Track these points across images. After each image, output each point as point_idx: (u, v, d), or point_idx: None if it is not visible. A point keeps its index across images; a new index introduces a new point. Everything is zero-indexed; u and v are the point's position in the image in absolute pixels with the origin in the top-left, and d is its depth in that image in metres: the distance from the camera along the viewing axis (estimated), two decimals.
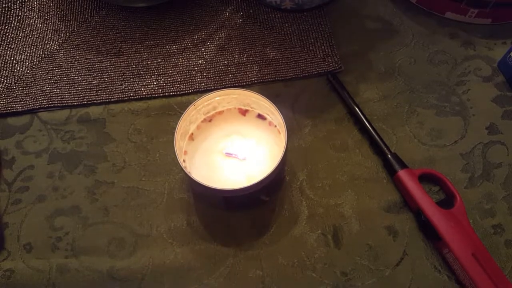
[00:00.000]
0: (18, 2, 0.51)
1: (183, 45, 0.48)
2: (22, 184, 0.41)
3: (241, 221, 0.38)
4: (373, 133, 0.41)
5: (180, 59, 0.47)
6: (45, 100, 0.45)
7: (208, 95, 0.38)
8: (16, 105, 0.45)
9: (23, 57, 0.48)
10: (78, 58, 0.47)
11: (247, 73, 0.46)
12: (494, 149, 0.40)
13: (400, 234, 0.37)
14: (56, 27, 0.50)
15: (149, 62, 0.47)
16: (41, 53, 0.48)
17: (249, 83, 0.45)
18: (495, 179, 0.39)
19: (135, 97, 0.45)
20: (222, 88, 0.42)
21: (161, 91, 0.45)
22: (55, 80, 0.46)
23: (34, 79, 0.46)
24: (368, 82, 0.45)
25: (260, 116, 0.39)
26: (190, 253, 0.37)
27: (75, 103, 0.45)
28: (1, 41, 0.49)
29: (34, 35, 0.49)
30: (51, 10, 0.51)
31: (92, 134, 0.43)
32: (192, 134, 0.39)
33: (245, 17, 0.49)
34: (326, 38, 0.47)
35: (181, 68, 0.46)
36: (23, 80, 0.46)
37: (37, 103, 0.45)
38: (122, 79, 0.46)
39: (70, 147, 0.43)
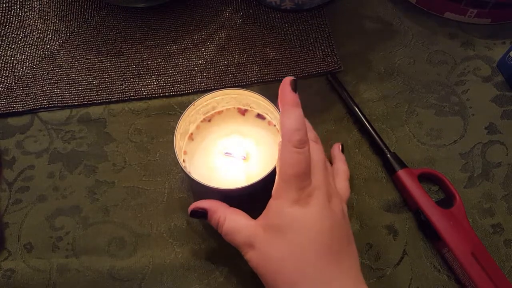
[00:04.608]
0: (18, 3, 0.51)
1: (183, 45, 0.48)
2: (22, 184, 0.41)
3: None
4: (373, 133, 0.41)
5: (180, 59, 0.47)
6: (45, 100, 0.45)
7: (207, 95, 0.38)
8: (17, 105, 0.45)
9: (23, 57, 0.48)
10: (79, 58, 0.48)
11: (247, 73, 0.46)
12: (493, 149, 0.41)
13: (400, 234, 0.37)
14: (56, 27, 0.50)
15: (149, 62, 0.47)
16: (42, 53, 0.48)
17: (249, 83, 0.45)
18: (495, 179, 0.39)
19: (136, 97, 0.45)
20: (222, 88, 0.42)
21: (161, 91, 0.45)
22: (56, 80, 0.46)
23: (35, 79, 0.46)
24: (367, 82, 0.45)
25: (259, 116, 0.39)
26: (190, 253, 0.37)
27: (76, 103, 0.45)
28: (2, 42, 0.49)
29: (34, 35, 0.49)
30: (51, 11, 0.51)
31: (92, 134, 0.43)
32: (191, 134, 0.39)
33: (245, 17, 0.49)
34: (325, 38, 0.47)
35: (181, 68, 0.46)
36: (24, 80, 0.46)
37: (38, 103, 0.45)
38: (122, 79, 0.46)
39: (70, 147, 0.43)
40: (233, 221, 0.32)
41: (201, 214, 0.34)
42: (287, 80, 0.32)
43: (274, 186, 0.31)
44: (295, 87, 0.31)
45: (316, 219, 0.29)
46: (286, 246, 0.29)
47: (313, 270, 0.28)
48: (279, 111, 0.36)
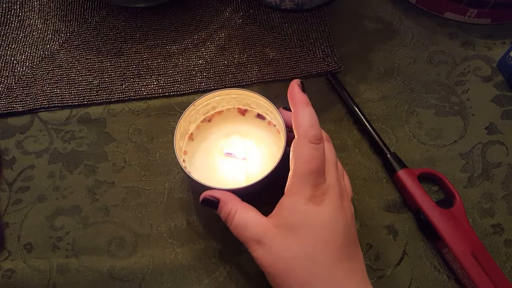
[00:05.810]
0: (18, 3, 0.51)
1: (183, 45, 0.48)
2: (22, 184, 0.41)
3: None
4: (373, 133, 0.41)
5: (180, 59, 0.47)
6: (45, 100, 0.45)
7: (207, 95, 0.38)
8: (17, 105, 0.45)
9: (23, 57, 0.48)
10: (79, 58, 0.48)
11: (247, 73, 0.46)
12: (493, 149, 0.41)
13: (400, 234, 0.37)
14: (56, 27, 0.50)
15: (149, 62, 0.47)
16: (42, 53, 0.48)
17: (249, 83, 0.45)
18: (495, 179, 0.39)
19: (136, 97, 0.45)
20: (222, 88, 0.42)
21: (161, 91, 0.45)
22: (56, 80, 0.46)
23: (35, 79, 0.46)
24: (367, 82, 0.45)
25: (259, 116, 0.39)
26: (190, 253, 0.37)
27: (76, 103, 0.45)
28: (2, 42, 0.49)
29: (34, 35, 0.49)
30: (51, 11, 0.51)
31: (92, 134, 0.43)
32: (191, 134, 0.39)
33: (245, 17, 0.49)
34: (325, 38, 0.47)
35: (181, 68, 0.46)
36: (24, 80, 0.46)
37: (38, 103, 0.45)
38: (122, 79, 0.46)
39: (70, 147, 0.43)
40: (243, 215, 0.31)
41: (213, 204, 0.33)
42: (294, 82, 0.32)
43: (287, 183, 0.31)
44: (303, 88, 0.32)
45: (330, 218, 0.29)
46: (298, 245, 0.29)
47: (324, 270, 0.28)
48: (280, 112, 0.36)
